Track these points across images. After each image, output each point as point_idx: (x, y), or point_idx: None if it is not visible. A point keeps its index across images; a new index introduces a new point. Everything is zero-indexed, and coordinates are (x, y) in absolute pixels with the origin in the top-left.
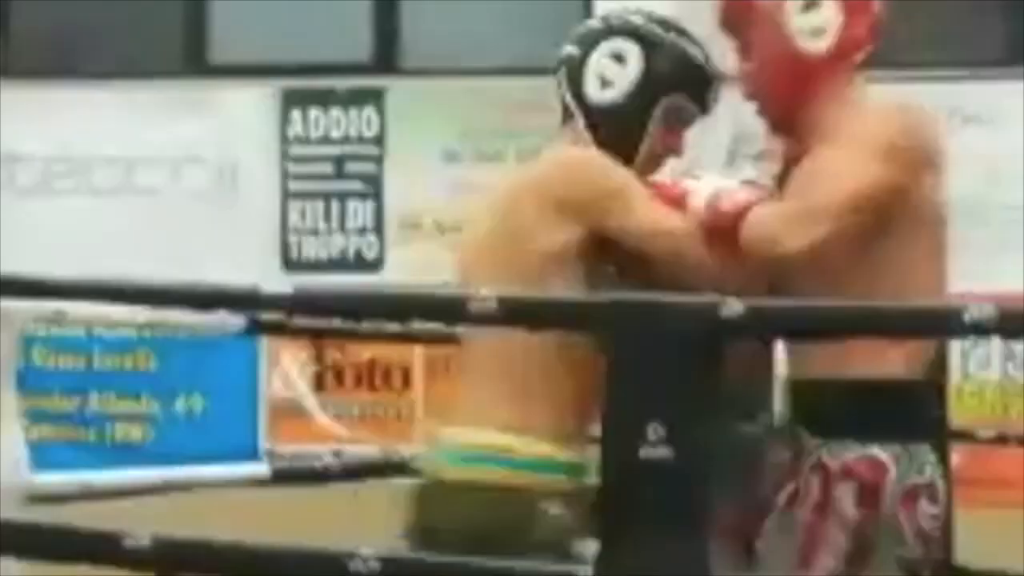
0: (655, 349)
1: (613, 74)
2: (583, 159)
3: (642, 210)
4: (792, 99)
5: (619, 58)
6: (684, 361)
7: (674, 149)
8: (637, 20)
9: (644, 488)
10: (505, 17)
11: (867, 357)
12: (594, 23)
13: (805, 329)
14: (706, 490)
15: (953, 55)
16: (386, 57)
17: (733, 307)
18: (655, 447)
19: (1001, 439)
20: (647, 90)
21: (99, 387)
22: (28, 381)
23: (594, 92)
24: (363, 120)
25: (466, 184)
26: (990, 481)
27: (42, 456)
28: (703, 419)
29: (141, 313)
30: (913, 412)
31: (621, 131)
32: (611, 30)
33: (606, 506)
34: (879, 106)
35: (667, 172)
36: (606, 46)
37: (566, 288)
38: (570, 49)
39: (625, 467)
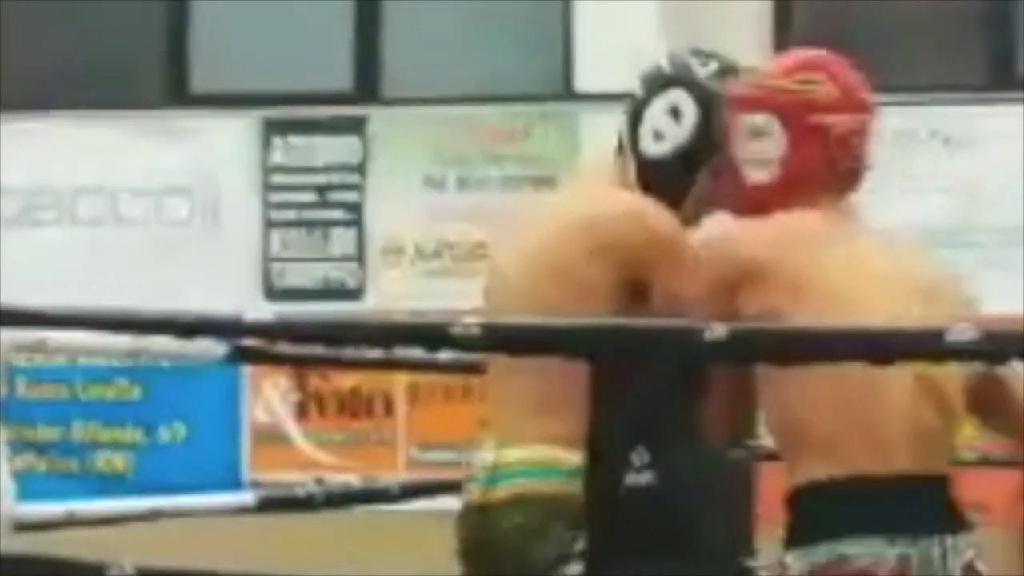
0: (639, 374)
1: (668, 129)
2: (638, 207)
3: (685, 272)
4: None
5: (676, 113)
6: (668, 386)
7: (723, 197)
8: (698, 69)
9: (629, 514)
10: (485, 45)
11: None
12: (661, 66)
13: (788, 353)
14: (691, 515)
15: (934, 78)
16: (367, 86)
17: (717, 331)
18: (640, 473)
19: (985, 461)
20: (699, 146)
21: (83, 416)
22: (11, 411)
23: (647, 145)
24: (345, 148)
25: (448, 211)
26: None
27: (26, 486)
28: (688, 444)
29: (124, 342)
30: (918, 505)
31: (669, 182)
32: (671, 80)
33: (592, 531)
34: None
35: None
36: (664, 98)
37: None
38: (637, 91)
39: (611, 493)
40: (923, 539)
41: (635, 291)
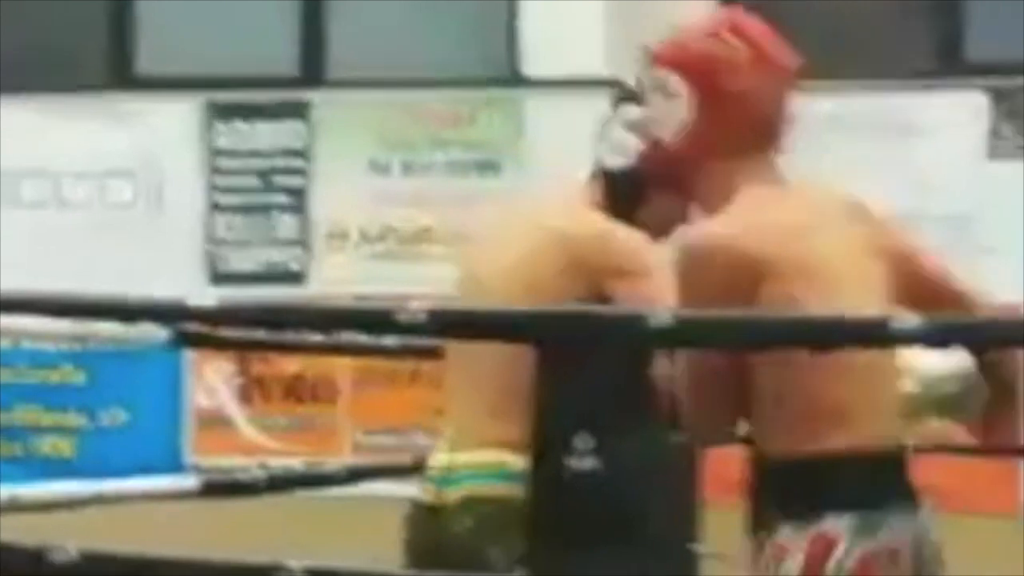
0: (583, 360)
1: (627, 143)
2: (607, 229)
3: (647, 290)
4: (656, 179)
5: (634, 127)
6: (613, 372)
7: (682, 210)
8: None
9: (573, 499)
10: (432, 30)
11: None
12: (622, 82)
13: (733, 341)
14: (636, 500)
15: (884, 67)
16: (312, 70)
17: (662, 318)
18: (583, 458)
19: (929, 447)
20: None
21: (25, 400)
22: None
23: (609, 159)
24: (289, 132)
25: (392, 196)
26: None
27: None
28: (633, 430)
29: (67, 326)
30: (876, 478)
31: (630, 193)
32: (630, 95)
33: (535, 517)
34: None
35: None
36: (622, 113)
37: None
38: (606, 110)
39: (554, 478)
40: (921, 513)
41: (603, 302)
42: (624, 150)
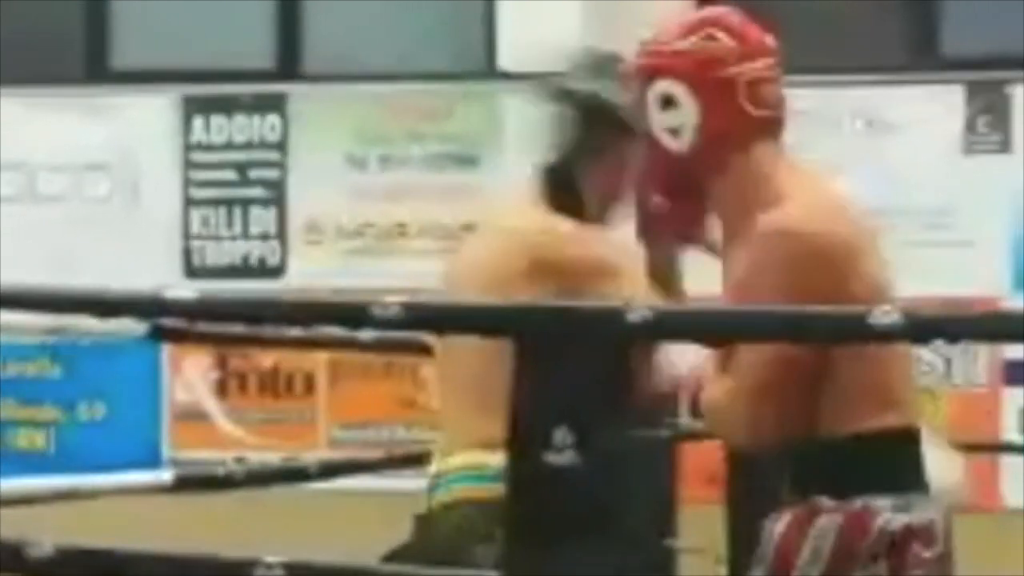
0: (562, 354)
1: (557, 139)
2: (566, 234)
3: (608, 286)
4: (670, 191)
5: (560, 122)
6: (591, 366)
7: (620, 189)
8: (576, 77)
9: (551, 492)
10: (408, 24)
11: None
12: (550, 82)
13: (712, 335)
14: (613, 495)
15: (859, 61)
16: (289, 63)
17: (640, 312)
18: (561, 452)
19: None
20: (582, 149)
21: (2, 394)
22: None
23: (546, 157)
24: (266, 126)
25: (369, 190)
26: None
27: None
28: (610, 424)
29: (44, 320)
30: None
31: (565, 187)
32: (548, 94)
33: (513, 511)
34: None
35: None
36: (547, 112)
37: None
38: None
39: (533, 472)
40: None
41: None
42: (555, 146)
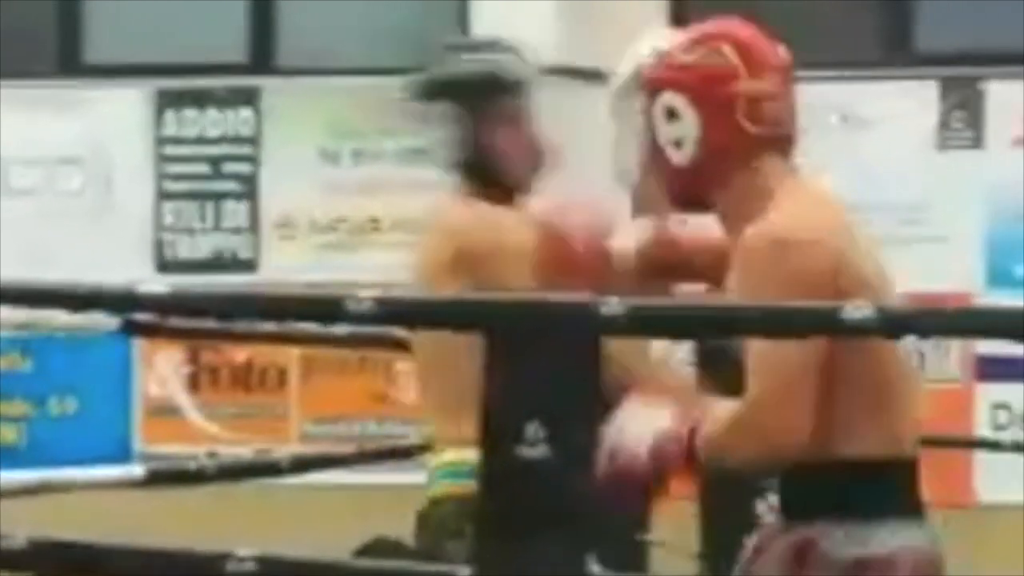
0: (534, 348)
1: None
2: (477, 219)
3: (511, 274)
4: (676, 200)
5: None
6: (564, 360)
7: (520, 146)
8: (456, 68)
9: (523, 487)
10: (381, 17)
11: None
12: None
13: (685, 329)
14: (587, 491)
15: (833, 57)
16: (262, 57)
17: (613, 306)
18: (534, 446)
19: None
20: (476, 130)
21: None
22: None
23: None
24: (239, 120)
25: (342, 184)
26: None
27: None
28: (583, 418)
29: (15, 314)
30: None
31: (480, 172)
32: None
33: (485, 506)
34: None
35: None
36: (434, 109)
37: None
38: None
39: (503, 467)
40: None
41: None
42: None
